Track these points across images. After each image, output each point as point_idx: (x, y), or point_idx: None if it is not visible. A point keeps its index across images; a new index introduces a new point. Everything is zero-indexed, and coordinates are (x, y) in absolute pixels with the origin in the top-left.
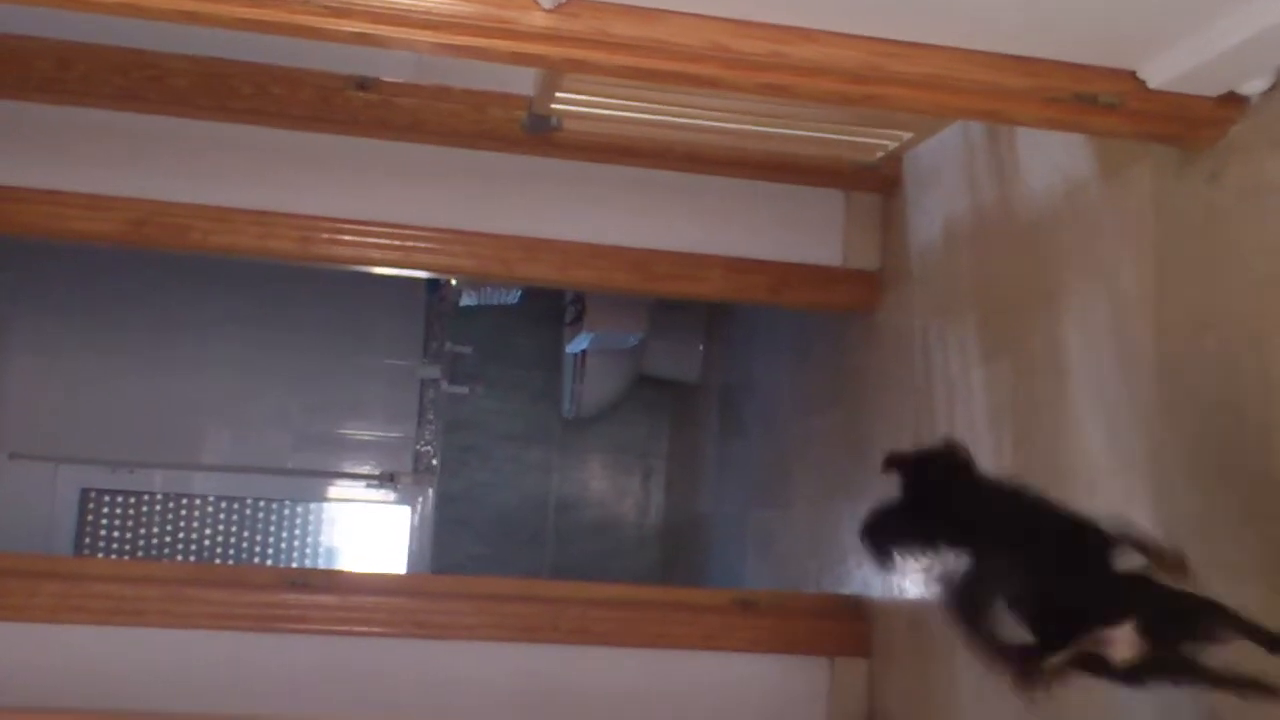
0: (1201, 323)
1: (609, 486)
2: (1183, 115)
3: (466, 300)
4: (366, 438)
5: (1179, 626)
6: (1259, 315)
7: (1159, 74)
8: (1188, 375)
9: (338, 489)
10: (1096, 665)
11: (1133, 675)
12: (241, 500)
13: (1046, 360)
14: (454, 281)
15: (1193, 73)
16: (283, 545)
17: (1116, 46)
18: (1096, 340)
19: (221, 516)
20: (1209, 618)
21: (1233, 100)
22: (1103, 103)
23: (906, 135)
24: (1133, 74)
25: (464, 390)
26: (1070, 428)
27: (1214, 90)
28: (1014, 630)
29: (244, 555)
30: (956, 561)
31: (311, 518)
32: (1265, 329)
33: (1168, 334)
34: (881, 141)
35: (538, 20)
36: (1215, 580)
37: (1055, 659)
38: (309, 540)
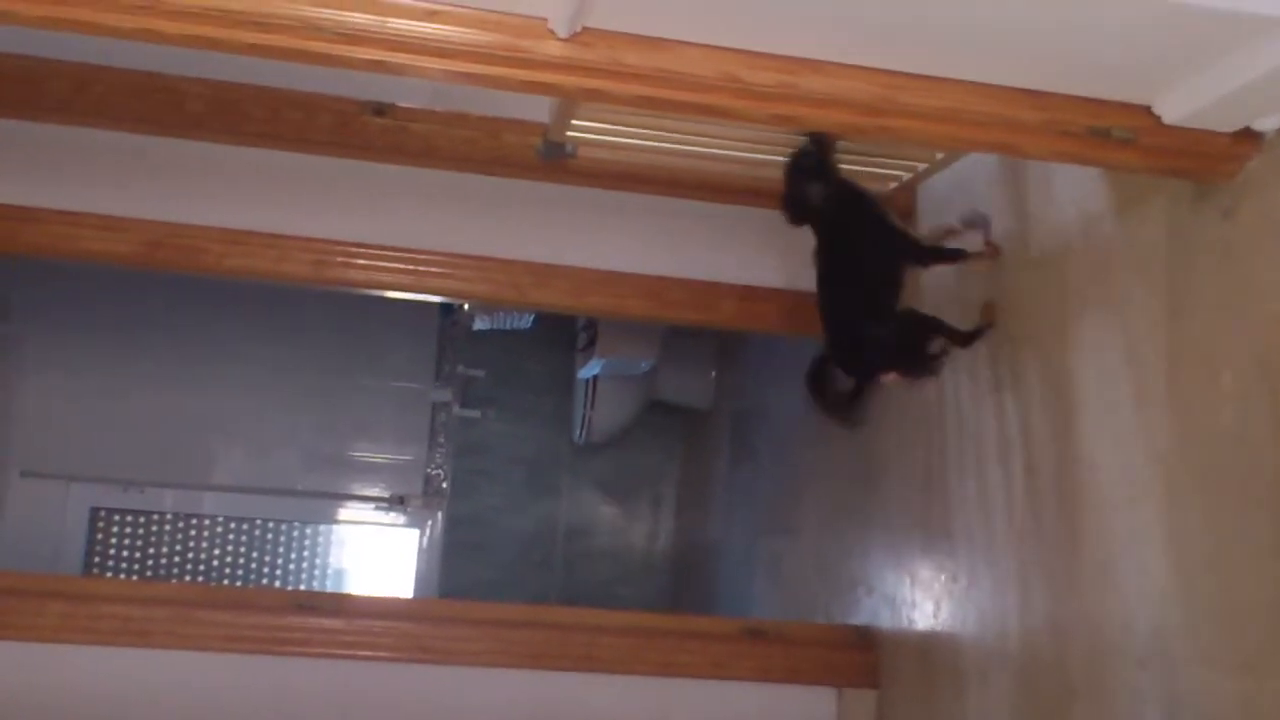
0: (1215, 358)
1: (619, 512)
2: (1198, 151)
3: (479, 324)
4: (377, 460)
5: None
6: (1274, 350)
7: (1174, 109)
8: (1201, 410)
9: (347, 511)
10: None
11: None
12: (251, 521)
13: (1058, 392)
14: (467, 306)
15: (1208, 108)
16: (291, 566)
17: (1132, 81)
18: (1109, 373)
19: (231, 537)
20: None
21: (1248, 136)
22: (1117, 137)
23: (921, 166)
24: (1148, 109)
25: (475, 414)
26: (1082, 460)
27: (1229, 126)
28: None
29: (253, 576)
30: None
31: (321, 539)
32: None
33: (1181, 368)
34: (895, 172)
35: (552, 49)
36: (1231, 617)
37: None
38: (318, 562)
